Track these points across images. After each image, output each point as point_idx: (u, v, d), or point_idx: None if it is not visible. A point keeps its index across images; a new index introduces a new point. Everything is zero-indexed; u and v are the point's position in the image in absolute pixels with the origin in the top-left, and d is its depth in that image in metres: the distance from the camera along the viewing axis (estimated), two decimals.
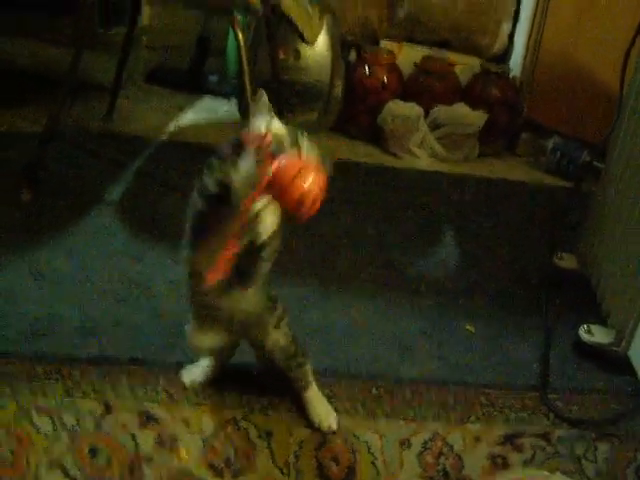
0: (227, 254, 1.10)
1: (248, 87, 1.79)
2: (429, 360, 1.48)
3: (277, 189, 1.04)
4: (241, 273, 1.14)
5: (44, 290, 1.54)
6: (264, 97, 1.13)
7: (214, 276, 1.11)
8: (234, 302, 1.18)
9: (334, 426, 1.29)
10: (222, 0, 1.71)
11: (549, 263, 1.80)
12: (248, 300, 1.18)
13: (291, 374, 1.28)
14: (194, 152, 2.26)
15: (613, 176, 1.65)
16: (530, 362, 1.52)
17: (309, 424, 1.29)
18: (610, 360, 1.50)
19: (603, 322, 1.56)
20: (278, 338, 1.23)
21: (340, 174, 1.75)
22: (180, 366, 1.37)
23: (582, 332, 1.54)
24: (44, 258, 1.65)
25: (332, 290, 1.67)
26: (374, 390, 1.39)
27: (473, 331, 1.59)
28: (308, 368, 1.29)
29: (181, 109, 2.64)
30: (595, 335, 1.53)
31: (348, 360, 1.45)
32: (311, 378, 1.30)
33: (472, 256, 1.90)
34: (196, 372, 1.36)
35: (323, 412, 1.30)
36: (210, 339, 1.26)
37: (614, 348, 1.50)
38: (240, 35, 1.76)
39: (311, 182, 1.03)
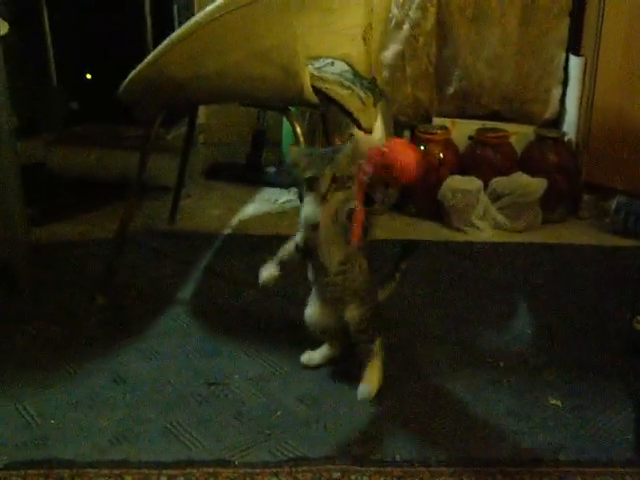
0: (358, 220, 1.42)
1: None
2: (520, 439, 1.44)
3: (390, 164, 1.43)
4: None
5: (126, 395, 1.56)
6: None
7: (355, 239, 1.43)
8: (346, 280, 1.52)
9: (364, 396, 1.53)
10: (279, 97, 1.74)
11: (629, 328, 1.75)
12: (355, 279, 1.52)
13: (358, 347, 1.57)
14: (258, 243, 2.32)
15: None
16: (623, 433, 1.46)
17: None
18: None
19: None
20: (355, 315, 1.53)
21: (406, 253, 1.76)
22: (266, 464, 1.36)
23: None
24: (124, 362, 1.67)
25: (410, 373, 1.65)
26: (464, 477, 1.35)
27: (560, 405, 1.54)
28: (372, 348, 1.56)
29: (242, 202, 2.69)
30: None
31: (434, 446, 1.42)
32: (374, 357, 1.56)
33: (548, 326, 1.86)
34: (313, 354, 1.67)
35: (367, 382, 1.55)
36: (322, 317, 1.59)
37: None
38: (298, 128, 1.80)
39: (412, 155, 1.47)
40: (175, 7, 2.69)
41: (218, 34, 1.64)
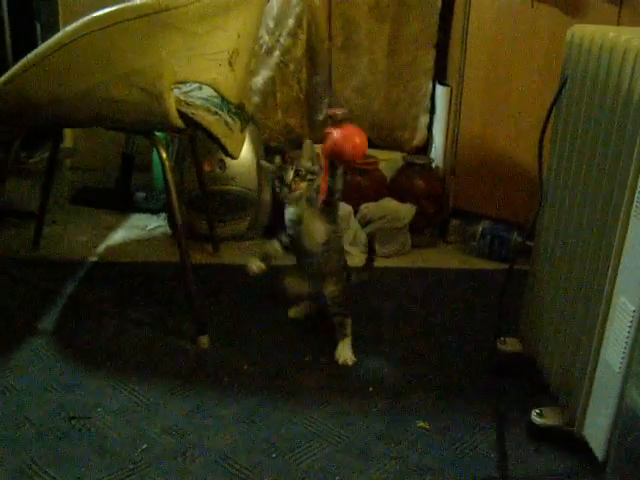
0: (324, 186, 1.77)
1: (175, 202, 1.78)
2: (387, 462, 1.44)
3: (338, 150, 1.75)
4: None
5: None
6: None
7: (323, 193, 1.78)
8: (327, 259, 1.82)
9: (349, 362, 1.79)
10: (144, 121, 1.70)
11: (493, 348, 1.80)
12: (332, 259, 1.82)
13: (335, 319, 1.84)
14: (125, 271, 2.26)
15: (544, 254, 1.68)
16: (487, 452, 1.49)
17: None
18: (567, 441, 1.49)
19: (555, 402, 1.55)
20: (334, 290, 1.83)
21: (271, 281, 1.76)
22: None
23: (534, 416, 1.53)
24: None
25: (278, 399, 1.63)
26: None
27: (427, 427, 1.56)
28: (348, 321, 1.83)
29: (110, 229, 2.62)
30: (547, 417, 1.52)
31: (302, 472, 1.40)
32: (348, 333, 1.83)
33: (415, 350, 1.88)
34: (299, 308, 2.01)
35: (345, 353, 1.81)
36: (299, 286, 1.88)
37: (568, 428, 1.49)
38: (163, 153, 1.76)
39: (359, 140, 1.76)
40: (38, 25, 2.59)
41: (78, 55, 1.59)
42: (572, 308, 1.50)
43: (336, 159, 1.76)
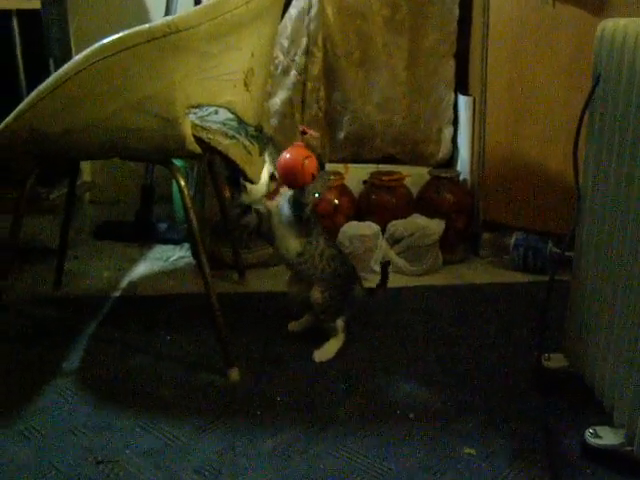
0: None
1: (196, 232, 1.71)
2: None
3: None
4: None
5: None
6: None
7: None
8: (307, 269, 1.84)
9: (317, 360, 1.84)
10: (160, 149, 1.64)
11: (538, 366, 1.71)
12: (315, 268, 1.83)
13: (321, 324, 1.89)
14: (150, 305, 2.19)
15: (586, 264, 1.59)
16: (539, 477, 1.40)
17: None
18: (626, 462, 1.39)
19: (609, 421, 1.46)
20: (318, 297, 1.83)
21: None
22: None
23: (588, 436, 1.44)
24: None
25: (313, 433, 1.55)
26: None
27: (474, 453, 1.47)
28: (334, 326, 1.87)
29: (133, 262, 2.56)
30: (603, 437, 1.43)
31: None
32: (336, 333, 1.88)
33: (456, 372, 1.79)
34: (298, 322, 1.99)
35: (322, 350, 1.86)
36: (297, 289, 1.92)
37: (627, 448, 1.39)
38: (181, 181, 1.70)
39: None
40: (51, 60, 2.55)
41: (89, 84, 1.53)
42: (622, 319, 1.40)
43: (288, 180, 1.81)
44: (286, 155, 1.79)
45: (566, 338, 1.72)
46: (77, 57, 1.52)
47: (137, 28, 1.52)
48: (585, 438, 1.44)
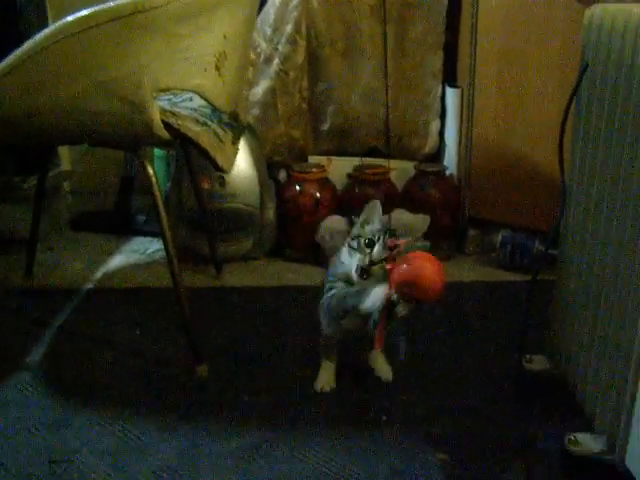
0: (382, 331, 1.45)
1: (165, 223, 1.64)
2: None
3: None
4: None
5: None
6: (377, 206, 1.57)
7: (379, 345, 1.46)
8: None
9: (391, 379, 1.65)
10: (127, 134, 1.57)
11: (518, 368, 1.64)
12: None
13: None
14: (122, 298, 2.12)
15: (570, 264, 1.52)
16: None
17: None
18: (607, 471, 1.32)
19: (590, 427, 1.39)
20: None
21: (286, 301, 1.61)
22: None
23: (568, 443, 1.36)
24: None
25: (279, 435, 1.47)
26: None
27: (447, 459, 1.40)
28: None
29: (109, 254, 2.49)
30: (583, 445, 1.35)
31: None
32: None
33: (433, 374, 1.72)
34: (325, 377, 1.63)
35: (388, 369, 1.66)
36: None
37: (607, 457, 1.32)
38: (150, 170, 1.62)
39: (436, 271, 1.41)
40: None
41: (51, 64, 1.45)
42: (606, 321, 1.33)
43: (407, 291, 1.42)
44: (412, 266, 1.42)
45: (548, 339, 1.65)
46: (39, 35, 1.44)
47: (103, 5, 1.44)
48: (565, 445, 1.37)
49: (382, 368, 1.67)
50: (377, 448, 1.43)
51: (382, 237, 1.49)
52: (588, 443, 1.35)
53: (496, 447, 1.44)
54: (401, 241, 1.48)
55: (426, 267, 1.42)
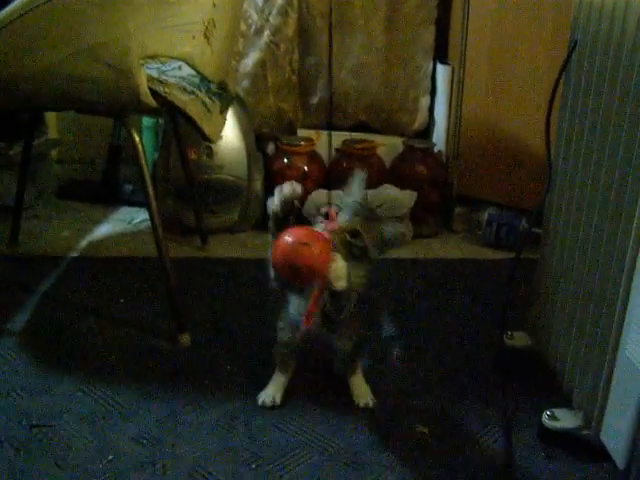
0: (313, 308, 1.31)
1: (150, 191, 1.63)
2: (381, 472, 1.29)
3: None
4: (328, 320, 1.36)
5: None
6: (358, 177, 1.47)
7: (306, 324, 1.32)
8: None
9: (370, 404, 1.47)
10: (113, 101, 1.55)
11: (499, 344, 1.65)
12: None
13: (344, 366, 1.50)
14: (106, 267, 2.11)
15: (554, 242, 1.53)
16: (493, 459, 1.34)
17: None
18: (583, 446, 1.33)
19: (568, 403, 1.40)
20: (349, 346, 1.46)
21: (262, 276, 1.60)
22: None
23: (545, 418, 1.38)
24: None
25: (260, 405, 1.48)
26: None
27: (427, 432, 1.41)
28: (357, 365, 1.50)
29: (95, 223, 2.48)
30: (560, 420, 1.37)
31: None
32: (357, 367, 1.50)
33: (416, 347, 1.73)
34: (272, 391, 1.48)
35: (363, 395, 1.48)
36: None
37: (584, 432, 1.33)
38: (136, 137, 1.62)
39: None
40: None
41: (35, 28, 1.45)
42: (586, 299, 1.34)
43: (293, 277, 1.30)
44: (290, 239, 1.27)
45: (530, 317, 1.66)
46: None
47: None
48: (542, 420, 1.38)
49: (359, 392, 1.50)
50: (357, 420, 1.44)
51: (351, 208, 1.40)
52: (565, 418, 1.37)
53: (475, 421, 1.45)
54: (334, 216, 1.37)
55: (279, 245, 1.27)
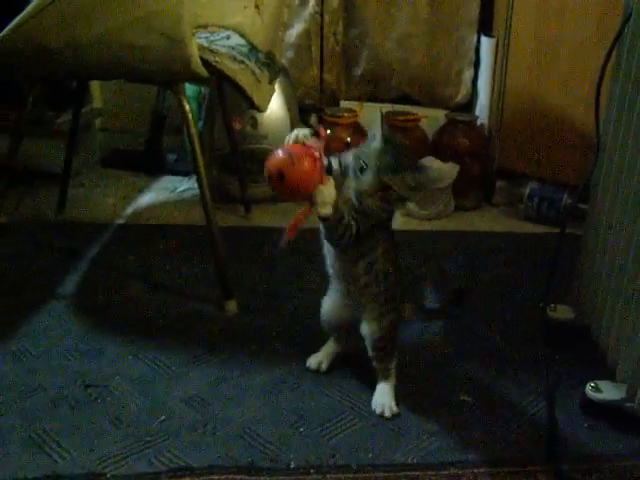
0: (297, 221, 1.27)
1: (200, 160, 1.66)
2: (424, 439, 1.32)
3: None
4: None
5: None
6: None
7: (290, 235, 1.27)
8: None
9: (387, 413, 1.38)
10: (165, 70, 1.57)
11: (542, 317, 1.66)
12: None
13: (374, 363, 1.42)
14: (152, 234, 2.15)
15: (600, 217, 1.53)
16: (536, 430, 1.36)
17: None
18: (625, 418, 1.35)
19: (611, 376, 1.41)
20: (375, 330, 1.39)
21: (313, 243, 1.63)
22: (141, 476, 1.20)
23: (589, 390, 1.39)
24: None
25: (306, 370, 1.51)
26: None
27: (470, 401, 1.43)
28: (390, 367, 1.42)
29: (139, 191, 2.52)
30: (604, 392, 1.38)
31: (331, 448, 1.29)
32: (390, 375, 1.42)
33: (459, 318, 1.75)
34: (321, 357, 1.51)
35: (382, 401, 1.40)
36: (335, 314, 1.45)
37: (628, 404, 1.35)
38: (186, 106, 1.64)
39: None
40: None
41: None
42: (632, 274, 1.35)
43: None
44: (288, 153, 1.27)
45: (574, 290, 1.66)
46: None
47: None
48: (585, 392, 1.39)
49: (381, 401, 1.41)
50: (401, 387, 1.46)
51: (375, 163, 1.25)
52: (609, 391, 1.38)
53: (519, 392, 1.47)
54: (324, 135, 1.29)
55: (272, 155, 1.29)
